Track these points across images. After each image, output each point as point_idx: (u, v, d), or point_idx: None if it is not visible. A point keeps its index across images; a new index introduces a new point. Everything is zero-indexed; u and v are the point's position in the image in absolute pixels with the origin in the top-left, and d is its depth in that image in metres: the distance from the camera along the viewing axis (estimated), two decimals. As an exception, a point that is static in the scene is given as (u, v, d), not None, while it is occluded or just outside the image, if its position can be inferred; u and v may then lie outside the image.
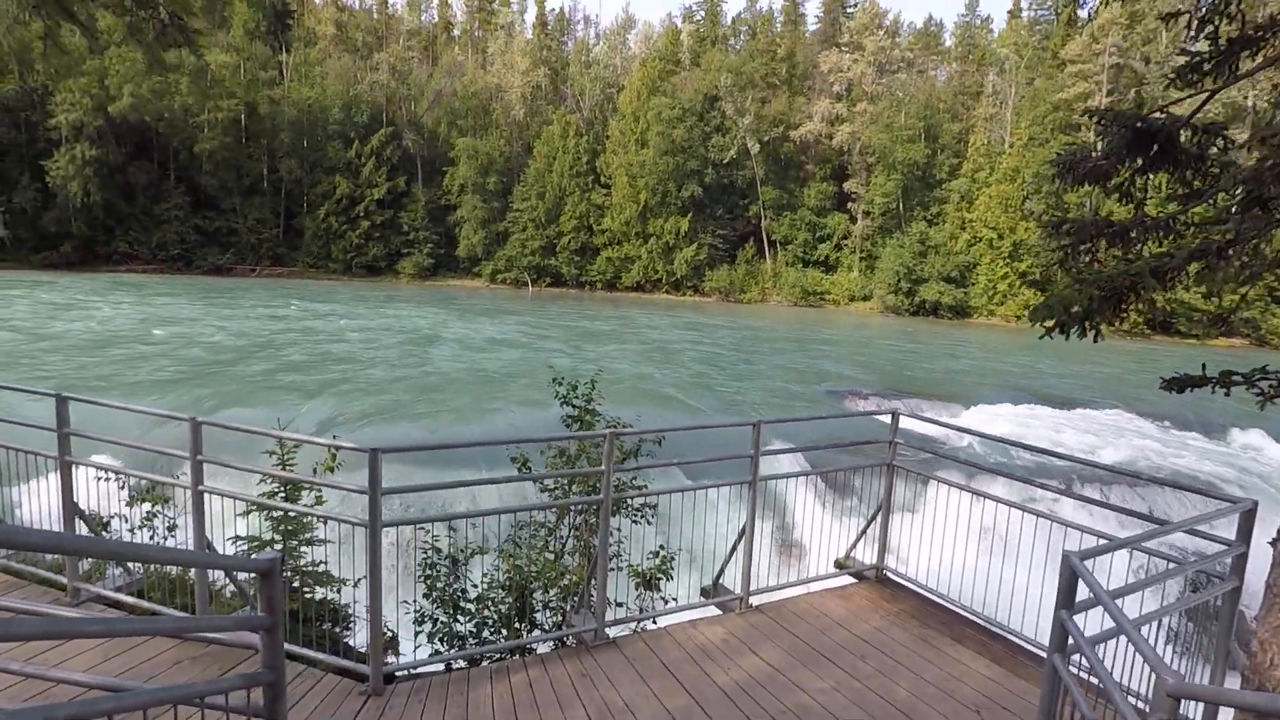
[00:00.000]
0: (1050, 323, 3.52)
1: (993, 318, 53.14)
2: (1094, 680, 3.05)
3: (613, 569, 5.54)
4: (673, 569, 5.75)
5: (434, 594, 5.03)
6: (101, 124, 55.27)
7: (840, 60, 61.49)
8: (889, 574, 6.07)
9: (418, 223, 64.15)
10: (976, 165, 56.11)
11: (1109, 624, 2.89)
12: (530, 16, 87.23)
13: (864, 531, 6.10)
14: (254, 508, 5.15)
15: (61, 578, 5.03)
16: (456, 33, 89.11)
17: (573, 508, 5.88)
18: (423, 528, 4.94)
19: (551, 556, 5.66)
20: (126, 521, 6.73)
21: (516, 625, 5.00)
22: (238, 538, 6.06)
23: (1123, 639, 2.99)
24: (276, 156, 62.47)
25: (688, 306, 54.62)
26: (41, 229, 54.56)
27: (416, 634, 4.96)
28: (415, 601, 5.01)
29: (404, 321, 32.92)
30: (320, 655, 4.33)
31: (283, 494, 6.15)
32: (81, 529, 4.98)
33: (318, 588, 6.48)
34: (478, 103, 68.81)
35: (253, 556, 2.32)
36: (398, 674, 4.65)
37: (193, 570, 4.96)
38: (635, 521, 6.03)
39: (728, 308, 55.74)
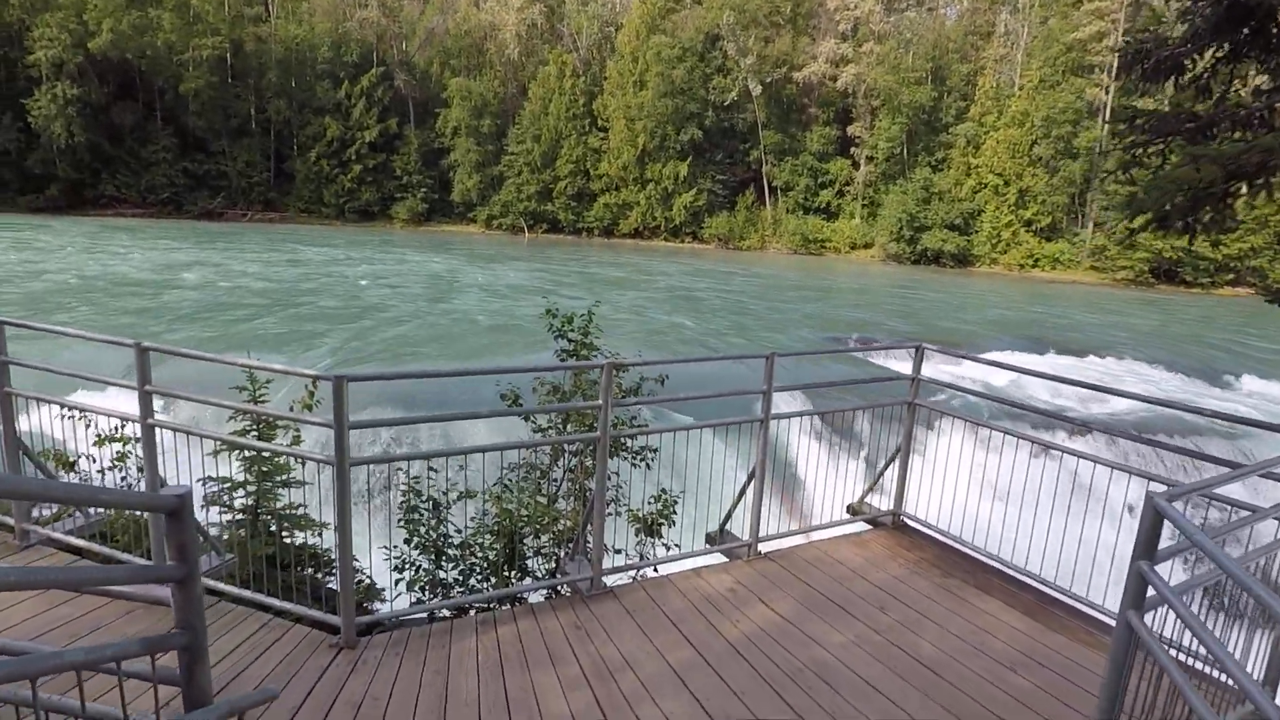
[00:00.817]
0: (1145, 217, 2.98)
1: (995, 266, 52.39)
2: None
3: (610, 514, 5.14)
4: (675, 514, 5.34)
5: (415, 539, 4.61)
6: (82, 61, 53.30)
7: (847, -3, 59.13)
8: (907, 520, 5.68)
9: (411, 166, 62.56)
10: (984, 109, 54.44)
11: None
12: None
13: (881, 474, 5.69)
14: (220, 445, 4.70)
15: (9, 519, 4.60)
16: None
17: (567, 448, 5.44)
18: (401, 468, 4.49)
19: (544, 500, 5.24)
20: (95, 462, 6.32)
21: (506, 573, 4.60)
22: (208, 479, 5.66)
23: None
24: (264, 97, 60.53)
25: (687, 254, 53.72)
26: (26, 171, 53.27)
27: (397, 582, 4.56)
28: (395, 547, 4.60)
29: (420, 268, 32.13)
30: (288, 605, 3.92)
31: (255, 432, 5.70)
32: (28, 468, 4.53)
33: (297, 532, 6.11)
34: (471, 41, 66.35)
35: (159, 491, 1.83)
36: (381, 624, 4.28)
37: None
38: (634, 464, 5.60)
39: (727, 255, 54.82)
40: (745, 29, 58.63)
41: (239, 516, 5.71)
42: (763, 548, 5.11)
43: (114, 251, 31.30)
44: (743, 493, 5.07)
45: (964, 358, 5.17)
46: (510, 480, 5.22)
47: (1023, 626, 4.25)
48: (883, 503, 5.82)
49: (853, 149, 59.00)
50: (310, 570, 6.20)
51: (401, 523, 4.60)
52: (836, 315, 24.94)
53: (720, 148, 61.69)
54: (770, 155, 60.56)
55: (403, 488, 4.53)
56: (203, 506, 5.75)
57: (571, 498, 5.32)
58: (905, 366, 5.58)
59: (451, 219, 64.40)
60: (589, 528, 4.54)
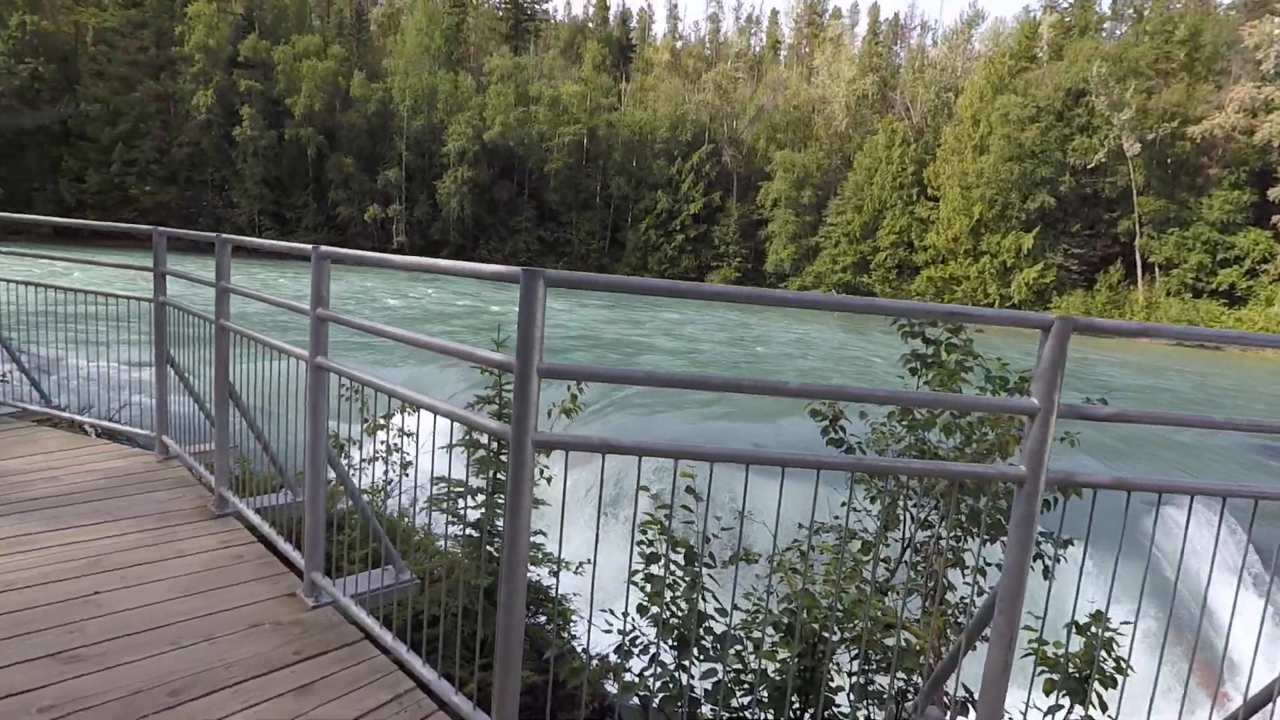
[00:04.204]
0: None
1: None
2: None
3: (985, 639, 2.84)
4: (1119, 647, 2.83)
5: (656, 607, 2.84)
6: (477, 149, 65.12)
7: (1274, 30, 47.69)
8: None
9: (729, 237, 64.72)
10: None
11: None
12: (861, 28, 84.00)
13: None
14: (356, 391, 3.55)
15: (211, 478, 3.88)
16: (784, 53, 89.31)
17: (912, 504, 3.26)
18: (644, 484, 2.79)
19: (866, 589, 3.12)
20: (361, 450, 5.77)
21: (795, 705, 2.59)
22: (441, 480, 4.61)
23: None
24: (609, 174, 67.86)
25: (1029, 338, 46.28)
26: (429, 236, 66.20)
27: (628, 680, 2.81)
28: (626, 615, 2.87)
29: (810, 337, 30.53)
30: (429, 673, 2.38)
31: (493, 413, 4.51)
32: (234, 416, 3.77)
33: (531, 566, 4.80)
34: (798, 115, 67.38)
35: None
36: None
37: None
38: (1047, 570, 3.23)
39: (1084, 342, 45.99)
40: (1121, 80, 50.44)
41: (468, 531, 4.60)
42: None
43: (577, 314, 33.93)
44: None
45: None
46: (807, 543, 3.21)
47: None
48: None
49: (1275, 218, 46.42)
50: (550, 624, 4.85)
51: (638, 578, 2.87)
52: None
53: (1077, 217, 53.22)
54: (1148, 225, 50.46)
55: (644, 516, 2.83)
56: (423, 508, 4.76)
57: (922, 596, 3.13)
58: None
59: (762, 288, 64.81)
60: (962, 655, 2.35)
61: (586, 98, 68.46)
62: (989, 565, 3.31)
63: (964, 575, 3.43)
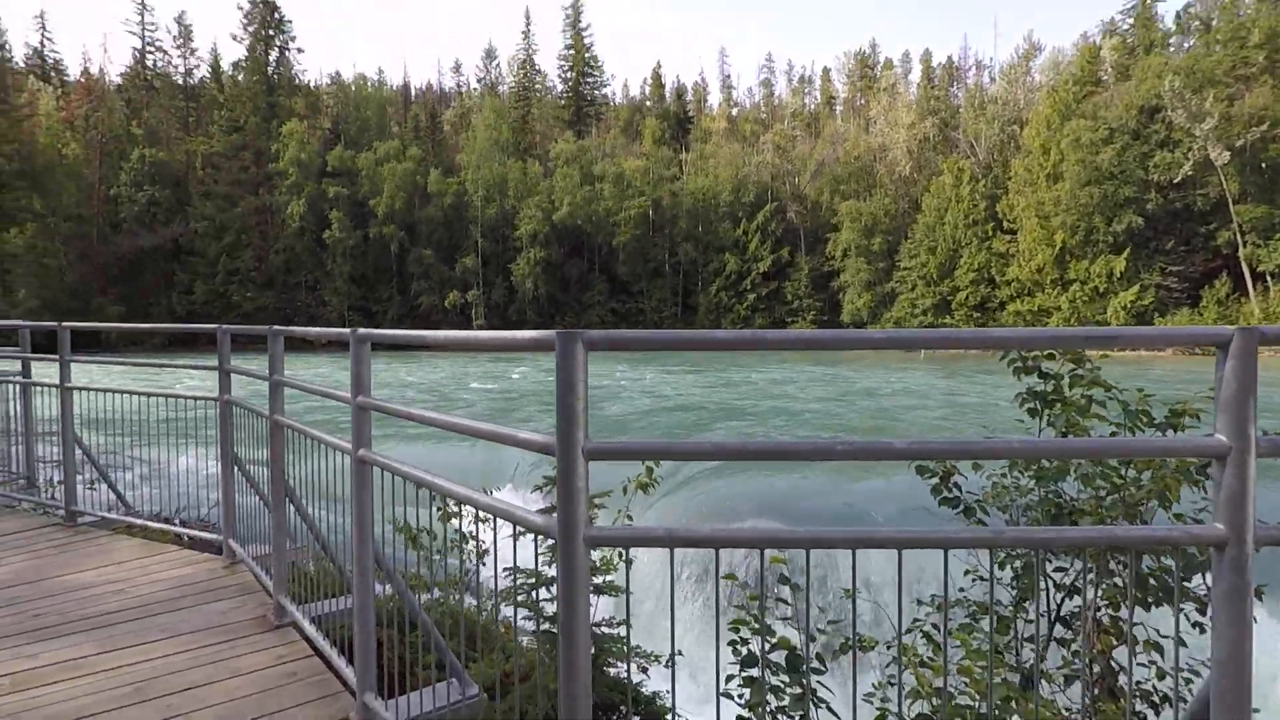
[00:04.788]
0: None
1: None
2: None
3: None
4: None
5: (760, 708, 2.40)
6: (548, 230, 67.45)
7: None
8: None
9: (801, 291, 63.99)
10: None
11: None
12: (915, 75, 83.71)
13: None
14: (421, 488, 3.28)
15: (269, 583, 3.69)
16: (839, 108, 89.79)
17: (1052, 561, 2.71)
18: (735, 577, 2.38)
19: (1014, 679, 2.59)
20: (435, 539, 5.56)
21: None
22: (515, 570, 4.31)
23: None
24: (675, 242, 68.77)
25: (1132, 362, 43.13)
26: (507, 318, 68.29)
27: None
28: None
29: (915, 385, 28.52)
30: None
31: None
32: (292, 515, 3.60)
33: (616, 662, 4.40)
34: (860, 165, 66.96)
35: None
36: None
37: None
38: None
39: (1195, 363, 42.48)
40: (1197, 91, 48.00)
41: (545, 627, 4.24)
42: None
43: (667, 382, 31.62)
44: None
45: None
46: (933, 625, 2.72)
47: None
48: None
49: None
50: None
51: (733, 685, 2.44)
52: None
53: (1170, 234, 50.10)
54: (1251, 234, 46.98)
55: (732, 611, 2.43)
56: (495, 603, 4.43)
57: (1085, 684, 2.56)
58: None
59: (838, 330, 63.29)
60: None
61: (649, 171, 70.24)
62: (1165, 638, 2.74)
63: (1133, 652, 2.82)
